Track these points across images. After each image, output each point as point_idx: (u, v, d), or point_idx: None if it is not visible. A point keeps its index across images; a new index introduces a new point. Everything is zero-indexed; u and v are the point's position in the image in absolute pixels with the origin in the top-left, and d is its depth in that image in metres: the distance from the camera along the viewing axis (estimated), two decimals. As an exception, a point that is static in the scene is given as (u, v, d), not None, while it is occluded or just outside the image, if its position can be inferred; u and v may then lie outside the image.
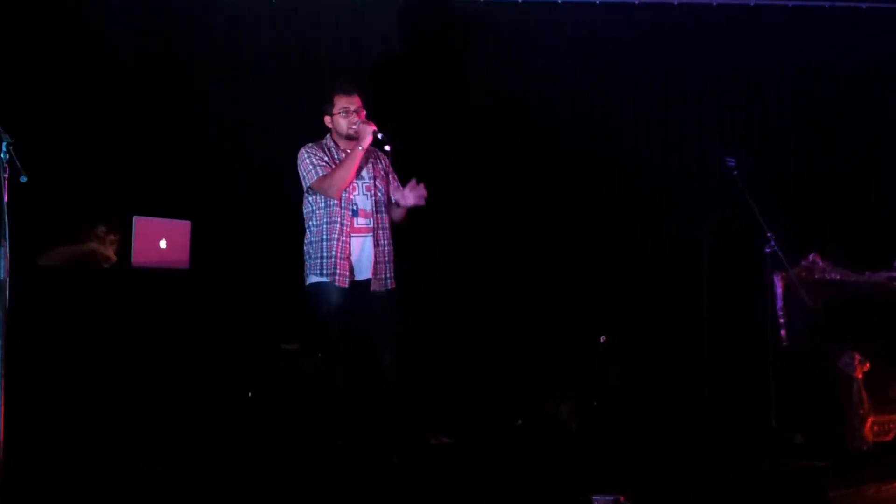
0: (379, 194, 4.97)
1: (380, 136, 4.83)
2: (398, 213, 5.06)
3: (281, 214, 6.39)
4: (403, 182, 5.04)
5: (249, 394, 5.54)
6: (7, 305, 3.84)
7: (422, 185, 4.91)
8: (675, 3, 6.85)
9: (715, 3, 6.85)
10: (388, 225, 5.00)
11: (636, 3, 6.82)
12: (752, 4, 6.84)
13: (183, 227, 5.61)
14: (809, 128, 6.86)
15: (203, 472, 4.74)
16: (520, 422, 5.92)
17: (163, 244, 5.48)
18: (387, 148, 4.92)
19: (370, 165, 4.98)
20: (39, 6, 6.35)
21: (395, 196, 5.00)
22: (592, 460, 5.28)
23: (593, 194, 6.76)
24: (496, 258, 6.59)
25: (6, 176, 3.85)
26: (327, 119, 4.99)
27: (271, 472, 4.83)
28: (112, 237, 5.60)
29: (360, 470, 4.69)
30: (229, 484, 4.64)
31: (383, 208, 4.99)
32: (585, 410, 6.03)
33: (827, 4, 6.84)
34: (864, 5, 6.83)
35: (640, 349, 6.46)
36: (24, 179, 3.84)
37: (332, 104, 4.96)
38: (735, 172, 5.54)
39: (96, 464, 4.68)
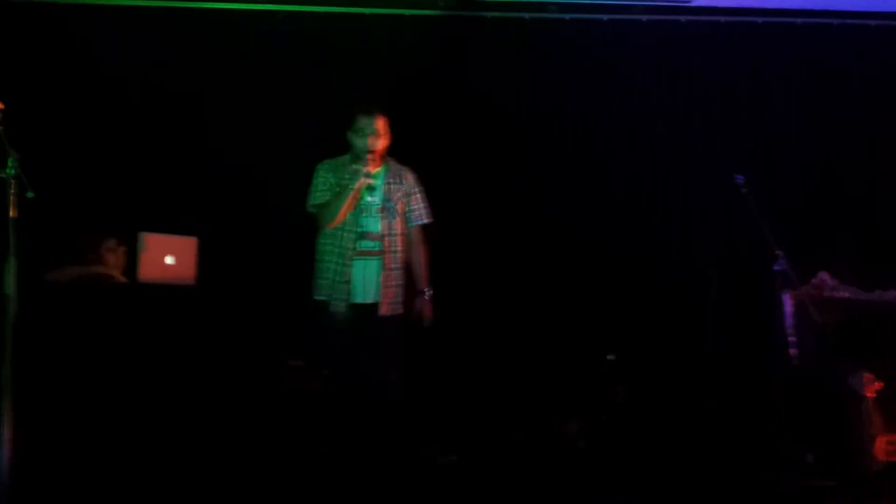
0: (391, 216, 4.86)
1: (370, 181, 4.75)
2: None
3: (287, 231, 6.41)
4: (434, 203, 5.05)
5: (254, 409, 5.52)
6: (14, 320, 3.83)
7: (427, 314, 4.92)
8: (683, 20, 6.84)
9: (722, 21, 6.84)
10: (400, 248, 4.88)
11: (643, 20, 6.82)
12: (759, 22, 6.83)
13: (189, 244, 5.61)
14: (818, 145, 6.83)
15: (207, 486, 4.73)
16: (527, 439, 5.90)
17: (169, 260, 5.48)
18: (370, 198, 4.82)
19: (388, 187, 4.88)
20: (47, 23, 6.37)
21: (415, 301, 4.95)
22: (600, 478, 5.25)
23: (601, 209, 6.70)
24: (504, 273, 6.55)
25: (13, 192, 3.85)
26: (349, 135, 4.91)
27: (276, 487, 4.81)
28: (124, 248, 5.59)
29: (365, 487, 4.66)
30: (233, 498, 4.63)
31: (395, 230, 4.88)
32: (593, 428, 6.00)
33: (835, 22, 6.83)
34: (872, 23, 6.83)
35: (648, 366, 6.42)
36: (30, 195, 3.84)
37: (352, 122, 4.89)
38: (744, 190, 5.52)
39: (101, 477, 4.68)
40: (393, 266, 4.84)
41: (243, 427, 5.43)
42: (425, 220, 5.02)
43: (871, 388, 5.29)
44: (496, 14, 6.80)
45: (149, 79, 6.45)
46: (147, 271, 5.39)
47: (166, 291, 5.39)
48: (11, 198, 3.85)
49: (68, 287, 5.35)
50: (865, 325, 5.58)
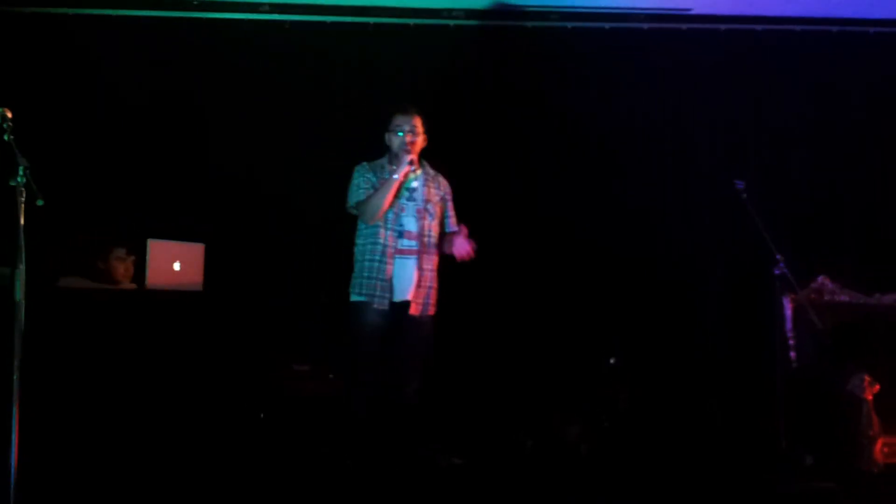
0: (429, 218, 4.92)
1: (412, 168, 4.83)
2: (446, 247, 4.99)
3: (294, 235, 6.47)
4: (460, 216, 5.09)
5: (261, 414, 5.57)
6: (23, 327, 3.89)
7: (470, 244, 4.88)
8: (684, 27, 6.89)
9: (723, 28, 6.89)
10: (434, 250, 4.94)
11: (644, 27, 6.86)
12: (759, 29, 6.88)
13: (196, 250, 5.67)
14: (818, 150, 6.85)
15: (214, 491, 4.78)
16: (530, 443, 5.93)
17: (177, 266, 5.54)
18: (414, 184, 4.90)
19: (426, 188, 4.94)
20: (56, 33, 6.44)
21: (447, 244, 4.95)
22: (602, 483, 5.28)
23: (603, 216, 6.71)
24: (506, 278, 6.58)
25: (23, 199, 3.91)
26: (386, 136, 4.97)
27: (282, 492, 4.86)
28: (133, 257, 5.65)
29: (370, 491, 4.71)
30: (239, 501, 4.68)
31: (432, 233, 4.94)
32: (595, 432, 6.03)
33: (834, 29, 6.87)
34: (871, 30, 6.86)
35: (649, 371, 6.44)
36: (40, 203, 3.90)
37: (389, 122, 4.95)
38: (744, 195, 5.56)
39: (110, 480, 4.72)
40: (427, 267, 4.90)
41: (250, 430, 5.48)
42: (457, 228, 5.07)
43: (871, 390, 5.33)
44: (499, 23, 6.85)
45: (156, 88, 6.49)
46: (155, 277, 5.46)
47: (174, 297, 5.45)
48: (21, 206, 3.91)
49: (77, 293, 5.41)
50: (865, 329, 5.62)
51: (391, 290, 4.81)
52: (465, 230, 4.93)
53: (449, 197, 5.09)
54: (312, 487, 4.92)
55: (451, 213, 5.08)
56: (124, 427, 5.08)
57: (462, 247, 4.88)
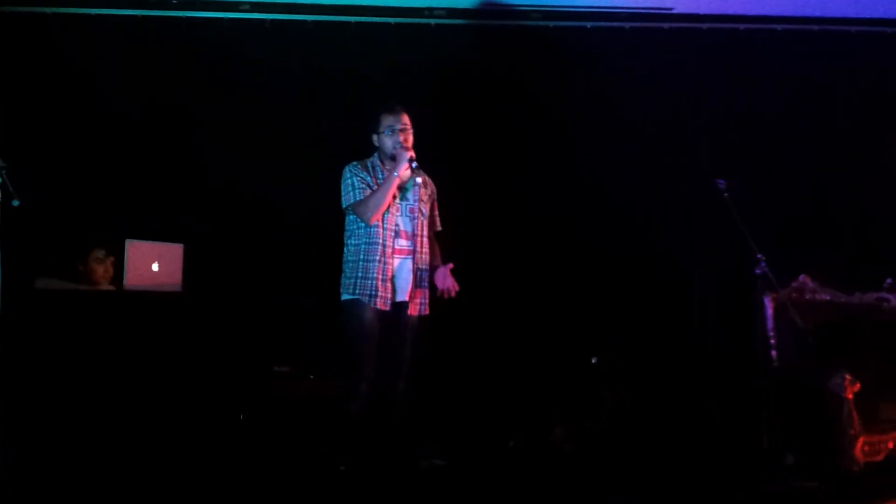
0: (422, 218, 4.92)
1: (414, 164, 4.79)
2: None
3: (274, 238, 6.44)
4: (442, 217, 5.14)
5: (241, 416, 5.55)
6: (-1, 328, 3.87)
7: (454, 283, 4.88)
8: (666, 27, 6.89)
9: (705, 27, 6.89)
10: (427, 250, 4.94)
11: (626, 27, 6.86)
12: (741, 28, 6.89)
13: (175, 251, 5.64)
14: (800, 149, 6.86)
15: (195, 495, 4.75)
16: (512, 443, 5.92)
17: (155, 267, 5.51)
18: (418, 180, 4.89)
19: (416, 188, 4.92)
20: (36, 32, 6.39)
21: (436, 277, 4.95)
22: (585, 484, 5.28)
23: (586, 216, 6.69)
24: (490, 278, 6.56)
25: (-1, 200, 3.89)
26: (374, 137, 4.96)
27: (264, 495, 4.84)
28: (112, 259, 5.62)
29: (356, 491, 4.69)
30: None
31: (425, 232, 4.95)
32: (579, 433, 6.03)
33: (816, 28, 6.89)
34: (853, 29, 6.89)
35: (632, 371, 6.44)
36: (16, 203, 3.87)
37: (378, 122, 4.93)
38: (725, 194, 5.57)
39: (88, 484, 4.69)
40: (422, 266, 4.90)
41: (229, 433, 5.46)
42: (440, 229, 5.12)
43: (851, 389, 5.33)
44: (481, 22, 6.85)
45: (135, 87, 6.45)
46: (133, 278, 5.42)
47: (153, 298, 5.42)
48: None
49: (55, 295, 5.37)
50: (846, 328, 5.62)
51: (393, 290, 4.80)
52: (450, 266, 4.93)
53: (435, 197, 5.09)
54: (298, 489, 4.91)
55: (436, 212, 5.10)
56: (104, 431, 5.04)
57: (446, 280, 4.89)
